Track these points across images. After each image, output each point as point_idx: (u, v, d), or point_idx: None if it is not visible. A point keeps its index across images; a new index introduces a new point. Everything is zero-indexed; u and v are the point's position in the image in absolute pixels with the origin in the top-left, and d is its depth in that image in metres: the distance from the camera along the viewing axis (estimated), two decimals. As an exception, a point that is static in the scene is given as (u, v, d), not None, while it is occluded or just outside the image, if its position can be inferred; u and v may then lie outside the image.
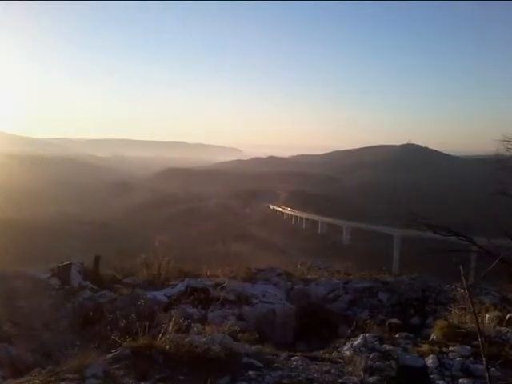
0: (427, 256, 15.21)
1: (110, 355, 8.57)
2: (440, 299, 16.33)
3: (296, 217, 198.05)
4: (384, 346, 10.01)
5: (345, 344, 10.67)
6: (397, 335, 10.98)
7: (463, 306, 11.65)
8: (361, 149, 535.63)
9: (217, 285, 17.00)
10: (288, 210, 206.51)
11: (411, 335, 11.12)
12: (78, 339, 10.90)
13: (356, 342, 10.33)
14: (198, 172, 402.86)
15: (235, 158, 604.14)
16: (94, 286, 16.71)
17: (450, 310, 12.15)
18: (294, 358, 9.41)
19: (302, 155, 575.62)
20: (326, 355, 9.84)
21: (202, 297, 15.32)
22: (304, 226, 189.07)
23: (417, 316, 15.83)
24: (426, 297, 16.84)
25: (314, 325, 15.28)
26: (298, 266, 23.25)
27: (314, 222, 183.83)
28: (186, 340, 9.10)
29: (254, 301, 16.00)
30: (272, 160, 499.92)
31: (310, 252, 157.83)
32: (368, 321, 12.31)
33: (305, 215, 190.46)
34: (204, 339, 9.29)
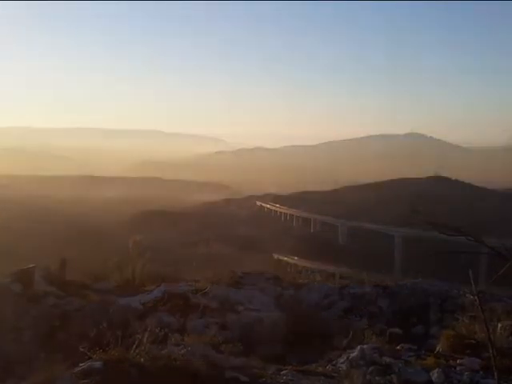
0: (432, 258, 15.28)
1: (79, 369, 8.51)
2: (446, 306, 16.33)
3: (286, 214, 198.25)
4: (384, 358, 10.01)
5: (340, 356, 10.66)
6: (398, 346, 11.00)
7: (472, 314, 11.68)
8: (359, 139, 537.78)
9: (197, 290, 16.93)
10: (277, 207, 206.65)
11: (414, 346, 11.14)
12: (42, 351, 10.85)
13: (353, 355, 10.33)
14: (176, 165, 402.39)
15: (218, 150, 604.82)
16: (60, 292, 16.59)
17: (458, 319, 12.18)
18: (283, 372, 9.42)
19: (294, 146, 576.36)
20: (320, 369, 9.86)
21: (181, 304, 15.25)
22: (295, 224, 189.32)
23: (420, 325, 15.84)
24: (430, 303, 16.85)
25: (306, 335, 15.27)
26: (288, 270, 23.24)
27: (306, 221, 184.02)
28: (163, 352, 9.07)
29: (239, 308, 15.95)
30: (259, 151, 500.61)
31: (302, 253, 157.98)
32: (366, 330, 12.34)
33: (296, 213, 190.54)
34: (183, 351, 9.26)
